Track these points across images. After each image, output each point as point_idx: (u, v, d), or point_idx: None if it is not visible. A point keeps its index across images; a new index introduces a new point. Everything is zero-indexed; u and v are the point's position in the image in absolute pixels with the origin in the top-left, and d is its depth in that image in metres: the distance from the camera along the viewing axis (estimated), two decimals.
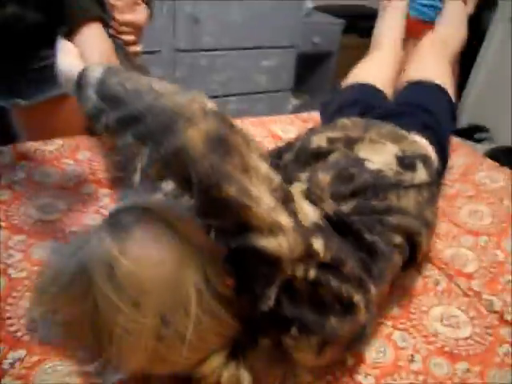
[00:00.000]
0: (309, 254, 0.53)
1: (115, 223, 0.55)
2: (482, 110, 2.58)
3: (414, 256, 0.77)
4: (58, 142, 1.03)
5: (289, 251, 0.50)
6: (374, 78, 1.20)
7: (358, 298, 0.58)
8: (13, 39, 0.93)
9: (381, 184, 0.77)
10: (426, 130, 0.95)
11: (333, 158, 0.82)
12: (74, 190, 0.90)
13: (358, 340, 0.62)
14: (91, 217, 0.84)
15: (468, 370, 0.68)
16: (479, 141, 2.51)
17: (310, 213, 0.62)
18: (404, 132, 0.91)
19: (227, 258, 0.54)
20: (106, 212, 0.85)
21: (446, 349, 0.72)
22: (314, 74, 2.58)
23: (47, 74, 0.91)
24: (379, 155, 0.83)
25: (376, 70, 1.26)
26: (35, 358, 0.59)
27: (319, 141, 0.87)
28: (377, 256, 0.65)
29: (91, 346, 0.55)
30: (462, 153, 1.25)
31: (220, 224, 0.53)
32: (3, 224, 0.79)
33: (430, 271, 0.87)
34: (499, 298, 0.81)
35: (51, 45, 0.78)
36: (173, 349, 0.52)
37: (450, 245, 0.93)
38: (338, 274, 0.56)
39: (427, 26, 1.43)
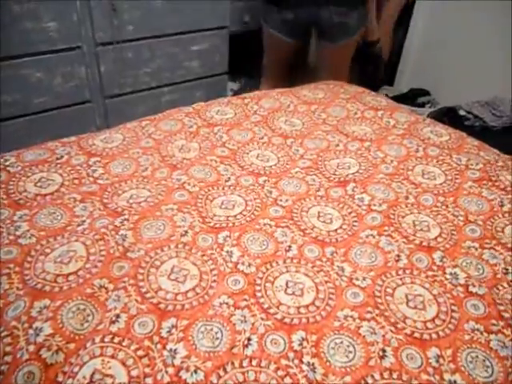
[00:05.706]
0: None
1: None
2: (423, 74, 2.62)
3: None
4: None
5: None
6: None
7: None
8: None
9: None
10: None
11: None
12: (66, 163, 0.94)
13: None
14: (87, 185, 0.89)
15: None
16: (422, 105, 2.52)
17: None
18: None
19: None
20: (100, 180, 0.90)
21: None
22: (247, 55, 2.30)
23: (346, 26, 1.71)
24: None
25: None
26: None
27: None
28: None
29: None
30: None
31: None
32: (5, 202, 0.83)
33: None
34: (460, 267, 0.78)
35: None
36: None
37: None
38: None
39: None
